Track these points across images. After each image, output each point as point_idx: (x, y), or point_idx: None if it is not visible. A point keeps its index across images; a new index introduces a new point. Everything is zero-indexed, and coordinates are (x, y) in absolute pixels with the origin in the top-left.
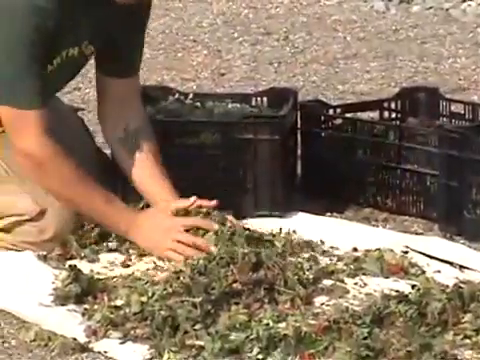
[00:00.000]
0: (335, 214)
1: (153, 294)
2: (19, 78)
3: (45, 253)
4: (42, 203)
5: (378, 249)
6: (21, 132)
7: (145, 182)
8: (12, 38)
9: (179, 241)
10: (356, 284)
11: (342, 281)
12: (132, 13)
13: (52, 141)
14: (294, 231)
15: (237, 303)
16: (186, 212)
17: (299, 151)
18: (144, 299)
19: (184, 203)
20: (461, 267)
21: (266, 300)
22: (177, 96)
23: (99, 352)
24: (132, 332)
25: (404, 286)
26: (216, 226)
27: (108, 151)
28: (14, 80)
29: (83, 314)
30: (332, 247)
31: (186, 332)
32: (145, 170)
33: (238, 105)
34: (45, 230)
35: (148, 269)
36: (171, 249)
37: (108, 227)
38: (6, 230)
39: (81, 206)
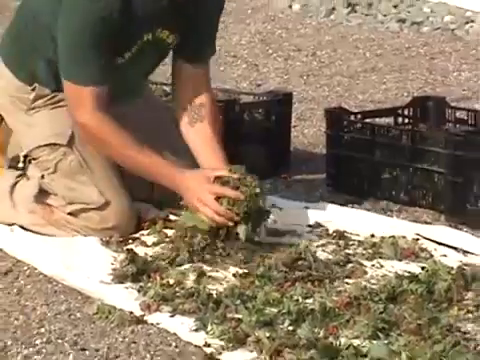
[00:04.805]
0: (356, 205)
1: None
2: (82, 59)
3: (107, 239)
4: (107, 196)
5: (392, 236)
6: (78, 106)
7: (199, 147)
8: (80, 24)
9: (206, 204)
10: (373, 266)
11: (361, 263)
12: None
13: (105, 116)
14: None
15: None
16: (224, 182)
17: (325, 151)
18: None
19: (222, 173)
20: (464, 252)
21: (296, 279)
22: None
23: (152, 324)
24: (180, 307)
25: (415, 268)
26: (242, 197)
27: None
28: (77, 60)
29: (138, 291)
30: (353, 234)
31: (227, 307)
32: (201, 137)
33: None
34: (106, 219)
35: None
36: (198, 209)
37: (162, 184)
38: (74, 214)
39: (135, 169)
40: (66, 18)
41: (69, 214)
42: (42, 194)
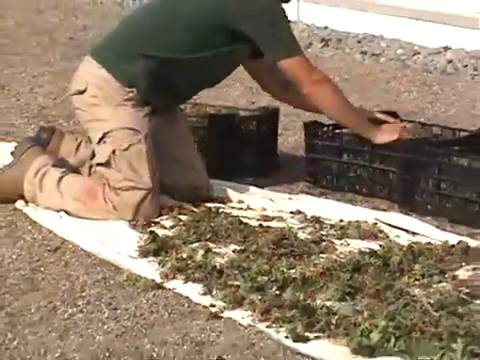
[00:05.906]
0: (328, 197)
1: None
2: (292, 36)
3: (134, 222)
4: (154, 184)
5: (357, 221)
6: (311, 71)
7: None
8: (281, 12)
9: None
10: (342, 244)
11: (332, 242)
12: None
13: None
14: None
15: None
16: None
17: (304, 154)
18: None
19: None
20: (413, 233)
21: (282, 254)
22: None
23: (169, 289)
24: (191, 276)
25: (374, 245)
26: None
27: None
28: (293, 41)
29: (159, 263)
30: (326, 219)
31: (228, 276)
32: (299, 98)
33: None
34: (143, 199)
35: None
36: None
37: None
38: (118, 190)
39: (347, 118)
40: (265, 15)
41: (115, 189)
42: (105, 166)
